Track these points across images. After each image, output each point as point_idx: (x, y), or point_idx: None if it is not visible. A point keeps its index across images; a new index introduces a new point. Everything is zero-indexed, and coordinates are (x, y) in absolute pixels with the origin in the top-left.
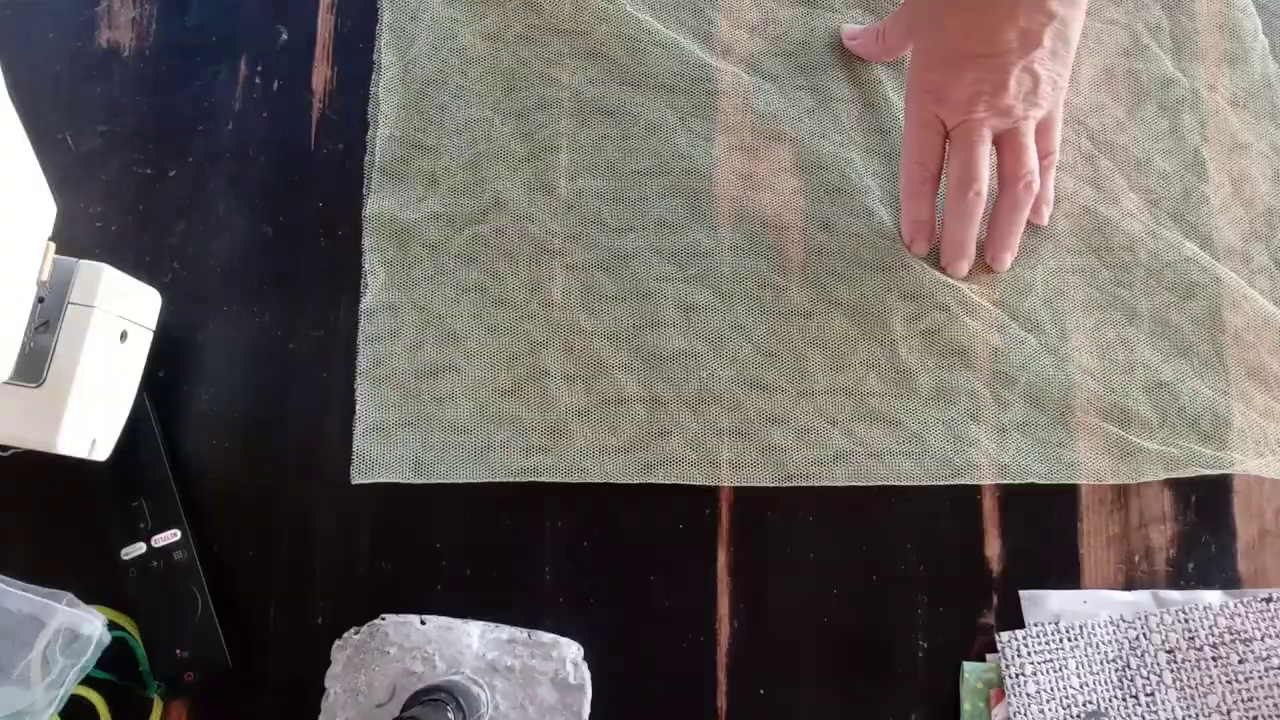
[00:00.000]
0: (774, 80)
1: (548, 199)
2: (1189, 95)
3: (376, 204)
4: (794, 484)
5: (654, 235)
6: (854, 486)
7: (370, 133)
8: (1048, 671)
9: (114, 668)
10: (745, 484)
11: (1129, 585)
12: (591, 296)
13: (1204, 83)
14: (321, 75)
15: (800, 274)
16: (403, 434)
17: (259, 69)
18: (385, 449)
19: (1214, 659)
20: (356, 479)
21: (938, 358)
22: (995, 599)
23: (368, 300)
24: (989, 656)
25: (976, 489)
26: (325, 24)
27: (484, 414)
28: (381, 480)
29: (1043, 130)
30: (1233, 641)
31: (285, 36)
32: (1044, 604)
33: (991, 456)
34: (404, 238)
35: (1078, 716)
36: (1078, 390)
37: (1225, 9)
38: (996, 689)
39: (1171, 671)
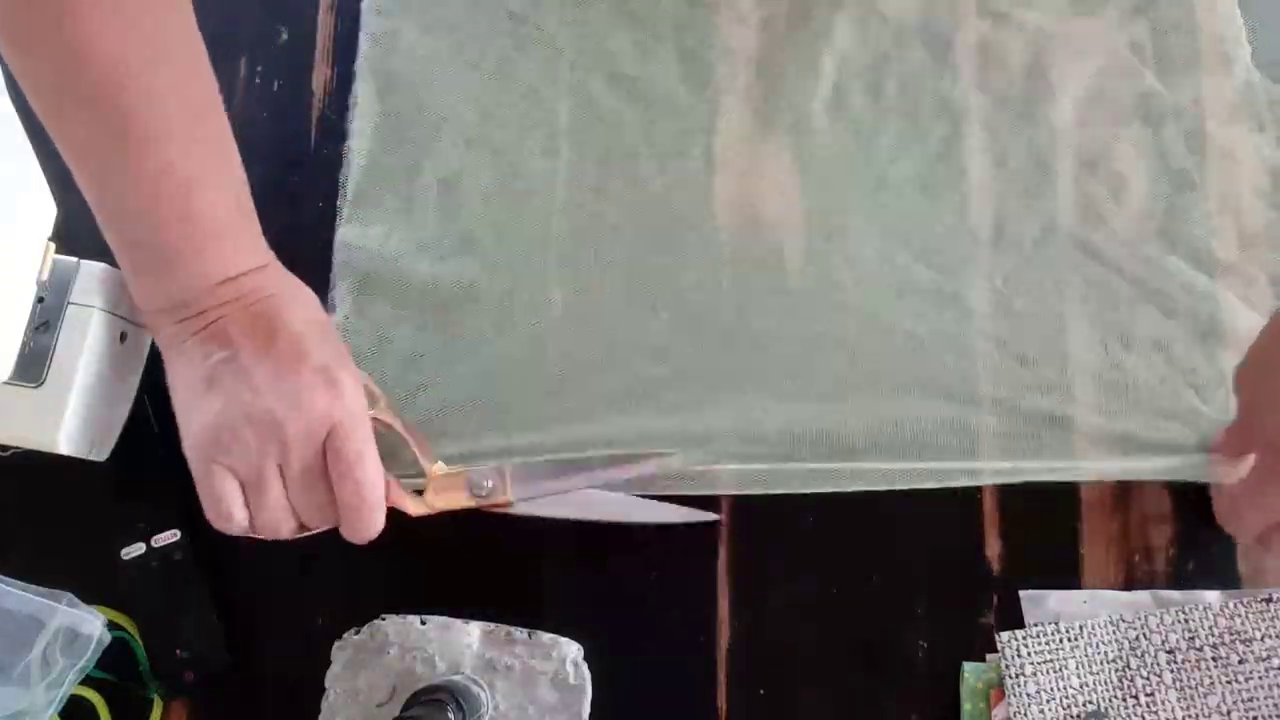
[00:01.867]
0: (766, 120)
1: (521, 240)
2: (1173, 110)
3: (347, 234)
4: (792, 490)
5: (640, 277)
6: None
7: (343, 171)
8: (1048, 671)
9: (114, 668)
10: (745, 492)
11: (1129, 585)
12: (567, 344)
13: (1189, 96)
14: (321, 75)
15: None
16: None
17: (259, 69)
18: None
19: (1214, 659)
20: None
21: (937, 363)
22: (995, 599)
23: (336, 318)
24: (989, 656)
25: (976, 489)
26: (325, 24)
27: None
28: None
29: None
30: (1233, 641)
31: (285, 36)
32: (1044, 604)
33: (991, 459)
34: (373, 268)
35: (1078, 716)
36: (1078, 417)
37: (1209, 18)
38: (996, 689)
39: (1171, 671)
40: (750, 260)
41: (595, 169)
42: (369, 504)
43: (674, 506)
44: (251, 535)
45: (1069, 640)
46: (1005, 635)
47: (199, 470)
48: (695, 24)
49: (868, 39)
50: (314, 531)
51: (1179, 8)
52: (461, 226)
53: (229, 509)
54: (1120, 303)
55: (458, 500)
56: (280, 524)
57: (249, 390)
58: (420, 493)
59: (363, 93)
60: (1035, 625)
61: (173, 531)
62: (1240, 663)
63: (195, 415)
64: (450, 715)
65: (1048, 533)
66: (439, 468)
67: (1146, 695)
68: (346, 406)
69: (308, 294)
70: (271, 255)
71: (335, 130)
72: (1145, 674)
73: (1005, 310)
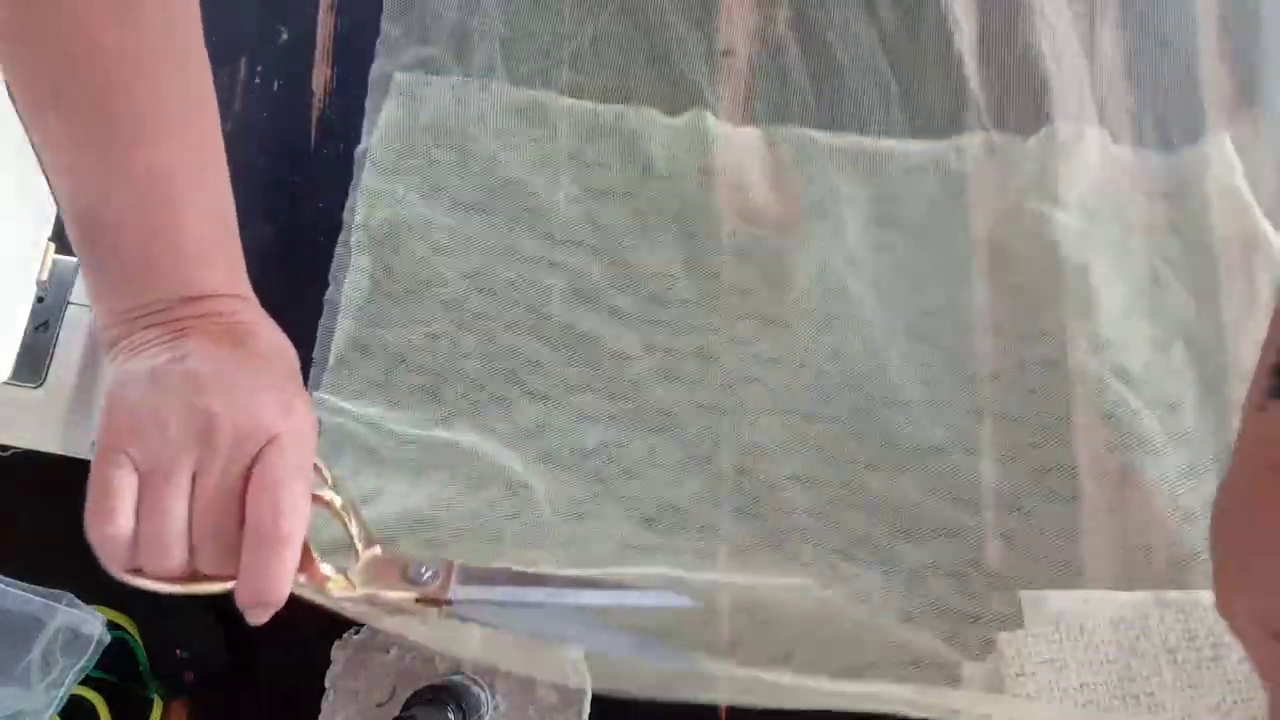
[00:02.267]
0: (767, 320)
1: (502, 430)
2: (1212, 334)
3: (325, 397)
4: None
5: (625, 477)
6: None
7: (323, 319)
8: (1048, 671)
9: (114, 668)
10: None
11: (1129, 585)
12: (543, 535)
13: (1228, 317)
14: (321, 75)
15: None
16: None
17: (259, 69)
18: None
19: (1214, 659)
20: None
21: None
22: (995, 599)
23: None
24: (989, 658)
25: (976, 485)
26: (325, 24)
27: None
28: None
29: None
30: (1232, 642)
31: (285, 36)
32: (1044, 604)
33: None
34: (350, 432)
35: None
36: None
37: (1241, 235)
38: (997, 689)
39: (1171, 671)
40: (734, 469)
41: (585, 356)
42: (282, 539)
43: (639, 637)
44: (126, 569)
45: (1069, 641)
46: (1005, 636)
47: (96, 457)
48: (699, 209)
49: (882, 242)
50: (196, 586)
51: (1210, 220)
52: (444, 409)
53: (113, 508)
54: (1184, 559)
55: (388, 585)
56: (168, 548)
57: (193, 388)
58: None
59: (355, 253)
60: (1035, 626)
61: None
62: (1240, 663)
63: (119, 402)
64: (450, 715)
65: (1048, 532)
66: (375, 550)
67: (1146, 695)
68: (293, 425)
69: (283, 336)
70: (252, 293)
71: (335, 130)
72: (1145, 674)
73: (1023, 552)
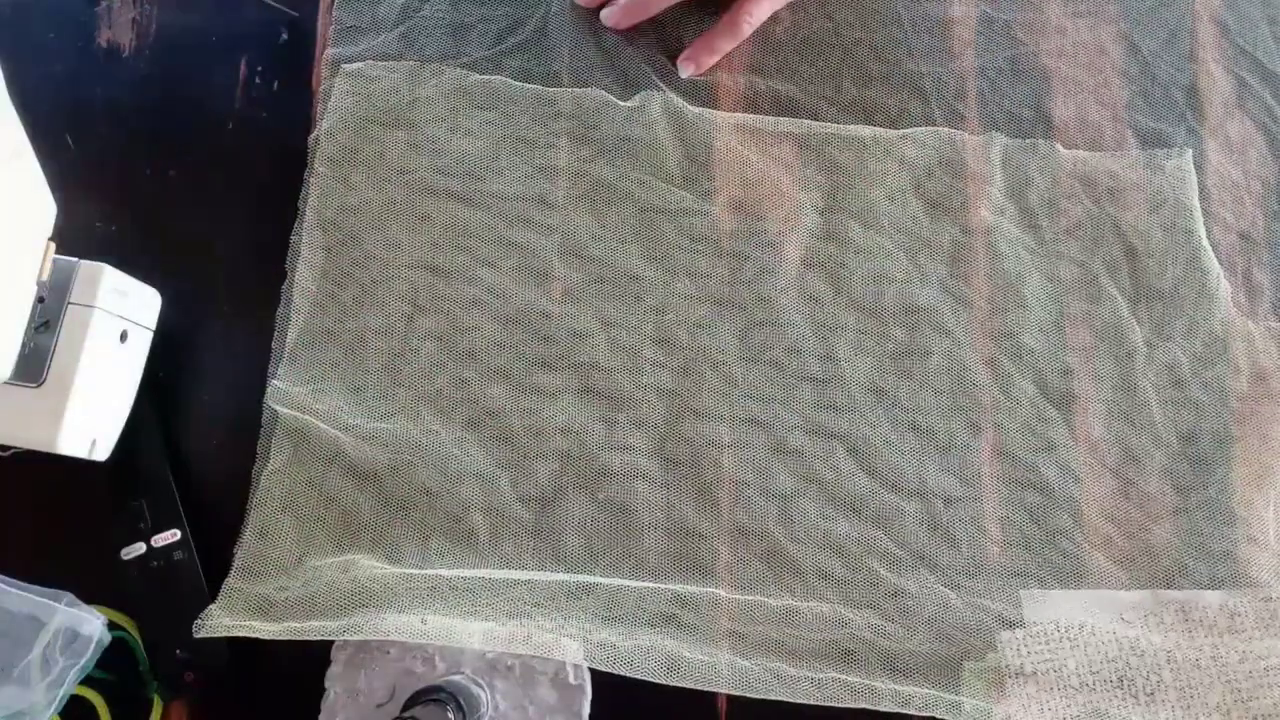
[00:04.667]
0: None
1: (467, 400)
2: (1142, 346)
3: (279, 389)
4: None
5: (581, 460)
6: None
7: (280, 310)
8: (1048, 671)
9: (114, 668)
10: (739, 692)
11: (1129, 585)
12: (499, 523)
13: (1156, 330)
14: (321, 75)
15: (730, 496)
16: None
17: (259, 69)
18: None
19: (1214, 659)
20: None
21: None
22: (995, 598)
23: (268, 469)
24: (989, 656)
25: (976, 482)
26: (325, 24)
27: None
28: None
29: None
30: (1232, 641)
31: (285, 36)
32: (1044, 604)
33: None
34: (304, 425)
35: (1077, 717)
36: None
37: (1186, 249)
38: (997, 688)
39: (1171, 671)
40: (681, 461)
41: (542, 335)
42: None
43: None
44: None
45: (1069, 640)
46: (1005, 635)
47: None
48: (652, 190)
49: (834, 229)
50: None
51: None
52: (404, 393)
53: None
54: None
55: None
56: None
57: None
58: None
59: (307, 244)
60: (1035, 625)
61: (173, 531)
62: (1240, 662)
63: None
64: (450, 715)
65: (1048, 532)
66: None
67: (1146, 695)
68: None
69: None
70: None
71: None
72: (1145, 674)
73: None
